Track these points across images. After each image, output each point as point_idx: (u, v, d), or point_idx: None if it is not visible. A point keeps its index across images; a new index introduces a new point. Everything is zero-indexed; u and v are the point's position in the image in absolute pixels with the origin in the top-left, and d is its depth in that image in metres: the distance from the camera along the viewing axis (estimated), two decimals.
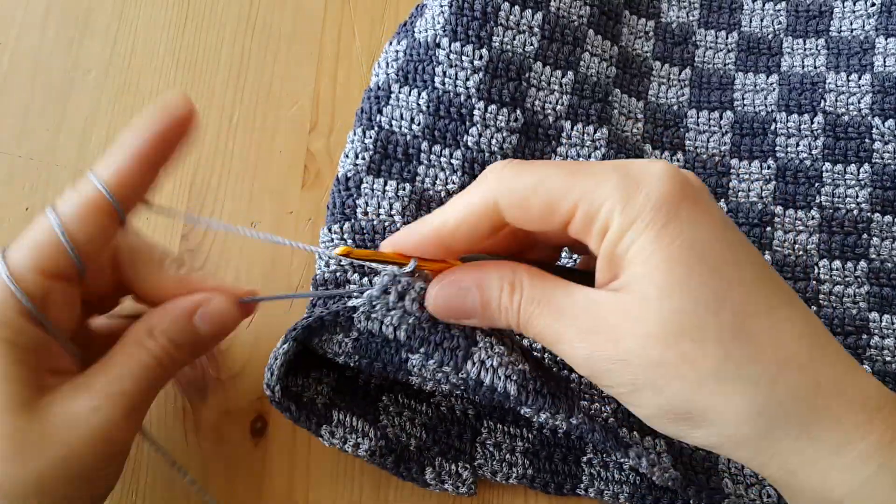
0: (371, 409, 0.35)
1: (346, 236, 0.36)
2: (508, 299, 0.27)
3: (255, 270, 0.40)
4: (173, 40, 0.45)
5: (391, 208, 0.37)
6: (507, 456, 0.36)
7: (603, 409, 0.35)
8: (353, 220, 0.37)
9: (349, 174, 0.38)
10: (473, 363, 0.29)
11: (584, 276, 0.27)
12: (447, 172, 0.38)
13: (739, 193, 0.40)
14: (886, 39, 0.41)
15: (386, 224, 0.37)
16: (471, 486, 0.35)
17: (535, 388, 0.29)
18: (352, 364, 0.31)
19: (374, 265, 0.29)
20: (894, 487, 0.22)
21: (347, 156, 0.38)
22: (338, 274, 0.36)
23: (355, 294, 0.31)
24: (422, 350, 0.29)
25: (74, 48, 0.45)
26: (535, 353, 0.35)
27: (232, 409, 0.38)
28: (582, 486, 0.35)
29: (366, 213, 0.37)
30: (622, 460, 0.33)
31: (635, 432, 0.35)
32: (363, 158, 0.38)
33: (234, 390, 0.38)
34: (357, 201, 0.37)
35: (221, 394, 0.38)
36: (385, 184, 0.37)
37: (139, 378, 0.29)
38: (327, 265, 0.36)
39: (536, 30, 0.39)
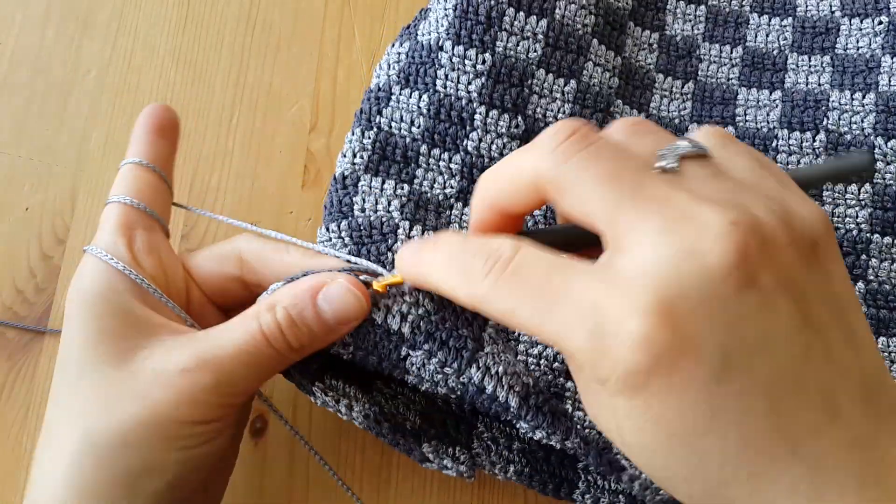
0: (363, 384, 0.34)
1: (343, 234, 0.36)
2: (511, 254, 0.25)
3: None
4: (173, 40, 0.45)
5: (389, 205, 0.37)
6: (504, 452, 0.35)
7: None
8: (350, 218, 0.36)
9: (346, 173, 0.37)
10: (478, 367, 0.28)
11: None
12: (446, 176, 0.38)
13: None
14: (892, 59, 0.41)
15: (384, 220, 0.36)
16: (470, 467, 0.34)
17: (537, 404, 0.29)
18: (345, 356, 0.31)
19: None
20: None
21: (345, 155, 0.38)
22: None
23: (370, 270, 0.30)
24: (425, 346, 0.29)
25: (74, 48, 0.45)
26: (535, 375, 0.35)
27: None
28: (578, 491, 0.35)
29: (363, 210, 0.37)
30: (615, 484, 0.33)
31: None
32: (361, 158, 0.38)
33: None
34: (354, 199, 0.37)
35: None
36: (383, 182, 0.37)
37: (241, 350, 0.28)
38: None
39: (541, 37, 0.39)
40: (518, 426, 0.29)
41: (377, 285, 0.29)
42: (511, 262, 0.23)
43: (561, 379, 0.36)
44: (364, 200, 0.37)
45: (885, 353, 0.36)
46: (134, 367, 0.28)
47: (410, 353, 0.29)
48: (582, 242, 0.26)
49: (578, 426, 0.34)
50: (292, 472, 0.37)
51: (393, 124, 0.38)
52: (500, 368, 0.29)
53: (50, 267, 0.40)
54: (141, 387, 0.27)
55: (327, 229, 0.37)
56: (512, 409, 0.29)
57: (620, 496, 0.35)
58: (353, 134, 0.38)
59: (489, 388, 0.29)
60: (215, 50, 0.45)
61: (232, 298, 0.34)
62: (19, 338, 0.39)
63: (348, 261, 0.33)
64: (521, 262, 0.23)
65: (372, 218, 0.36)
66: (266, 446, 0.37)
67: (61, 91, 0.44)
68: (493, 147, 0.38)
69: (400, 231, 0.36)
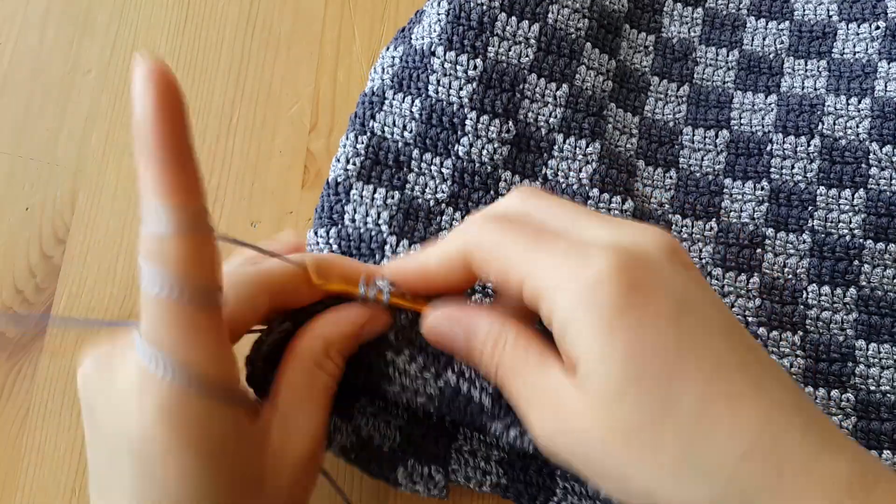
0: (347, 408, 0.35)
1: (331, 241, 0.36)
2: (490, 355, 0.27)
3: None
4: (173, 40, 0.45)
5: (378, 217, 0.37)
6: (482, 464, 0.35)
7: None
8: (339, 226, 0.37)
9: (339, 179, 0.38)
10: (454, 371, 0.29)
11: None
12: (437, 181, 0.38)
13: (731, 214, 0.39)
14: (889, 64, 0.41)
15: (373, 234, 0.37)
16: (442, 489, 0.35)
17: (509, 404, 0.29)
18: None
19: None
20: None
21: (339, 160, 0.38)
22: None
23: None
24: (406, 352, 0.29)
25: (74, 48, 0.45)
26: None
27: None
28: (555, 499, 0.35)
29: (353, 220, 0.37)
30: (591, 489, 0.33)
31: None
32: (354, 164, 0.38)
33: None
34: (345, 207, 0.37)
35: None
36: (374, 191, 0.37)
37: (326, 404, 0.29)
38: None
39: (532, 41, 0.39)
40: (493, 428, 0.30)
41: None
42: (504, 215, 0.28)
43: None
44: (355, 210, 0.37)
45: (876, 360, 0.36)
46: (263, 460, 0.27)
47: (394, 357, 0.29)
48: None
49: None
50: None
51: (386, 129, 0.38)
52: (473, 372, 0.29)
53: (50, 267, 0.40)
54: (274, 474, 0.27)
55: (315, 234, 0.37)
56: (486, 409, 0.29)
57: (597, 502, 0.35)
58: (346, 139, 0.38)
59: (464, 389, 0.29)
60: (215, 50, 0.45)
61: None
62: (19, 338, 0.39)
63: None
64: (513, 218, 0.28)
65: (362, 230, 0.37)
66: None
67: (61, 91, 0.44)
68: (484, 152, 0.38)
69: (387, 248, 0.36)
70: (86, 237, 0.41)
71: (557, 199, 0.28)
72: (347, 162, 0.38)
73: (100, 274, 0.40)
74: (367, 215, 0.37)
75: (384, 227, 0.37)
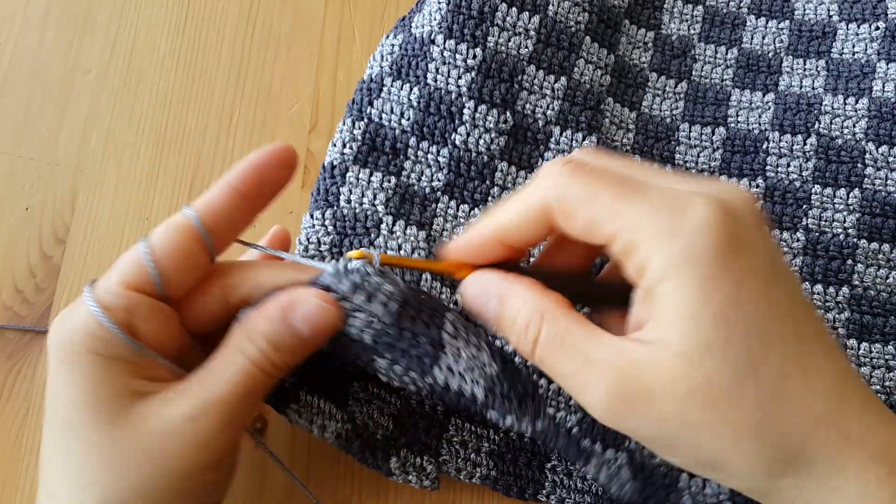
0: (340, 394, 0.35)
1: (327, 223, 0.36)
2: (524, 326, 0.26)
3: None
4: (173, 40, 0.45)
5: (375, 198, 0.37)
6: (473, 455, 0.36)
7: (569, 417, 0.35)
8: (335, 208, 0.37)
9: (335, 162, 0.38)
10: (440, 369, 0.29)
11: (609, 291, 0.27)
12: (433, 169, 0.38)
13: None
14: (888, 64, 0.41)
15: (368, 213, 0.37)
16: (434, 480, 0.35)
17: (502, 393, 0.29)
18: (326, 347, 0.31)
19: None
20: None
21: (335, 144, 0.38)
22: (315, 259, 0.36)
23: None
24: (387, 356, 0.29)
25: (74, 48, 0.45)
26: (504, 353, 0.35)
27: None
28: (544, 492, 0.35)
29: (349, 202, 0.37)
30: (582, 470, 0.33)
31: (598, 444, 0.35)
32: (350, 148, 0.38)
33: None
34: (341, 189, 0.37)
35: None
36: (370, 174, 0.37)
37: (238, 384, 0.28)
38: (306, 249, 0.36)
39: (532, 33, 0.39)
40: (489, 416, 0.30)
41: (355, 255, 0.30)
42: (587, 164, 0.27)
43: (535, 376, 0.36)
44: (351, 192, 0.37)
45: (867, 359, 0.36)
46: (134, 424, 0.26)
47: (376, 358, 0.29)
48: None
49: (550, 409, 0.34)
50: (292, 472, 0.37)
51: (383, 116, 0.38)
52: (462, 366, 0.29)
53: (50, 267, 0.40)
54: (148, 444, 0.26)
55: (311, 216, 0.37)
56: (479, 400, 0.29)
57: (586, 496, 0.35)
58: (343, 124, 0.38)
59: (454, 386, 0.29)
60: (215, 50, 0.45)
61: (220, 324, 0.31)
62: (19, 338, 0.39)
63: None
64: (596, 166, 0.27)
65: (357, 210, 0.37)
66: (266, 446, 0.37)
67: (61, 91, 0.44)
68: (481, 142, 0.38)
69: (383, 226, 0.36)
70: (86, 237, 0.41)
71: (630, 158, 0.27)
72: (344, 146, 0.38)
73: (100, 274, 0.39)
74: (363, 196, 0.37)
75: (380, 208, 0.37)
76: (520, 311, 0.26)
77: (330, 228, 0.36)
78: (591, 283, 0.31)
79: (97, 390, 0.27)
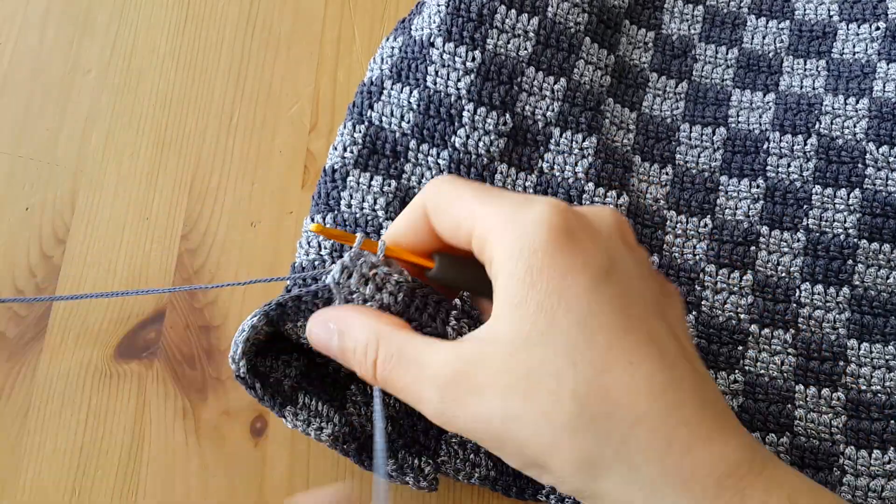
0: (338, 396, 0.35)
1: (328, 227, 0.36)
2: (363, 352, 0.27)
3: (256, 272, 0.40)
4: (173, 40, 0.45)
5: (375, 203, 0.37)
6: (472, 456, 0.35)
7: None
8: (336, 212, 0.37)
9: (336, 166, 0.38)
10: None
11: None
12: (433, 172, 0.38)
13: (726, 211, 0.39)
14: (888, 64, 0.41)
15: (369, 218, 0.37)
16: (432, 481, 0.35)
17: None
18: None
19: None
20: None
21: (336, 148, 0.38)
22: (316, 263, 0.36)
23: (319, 276, 0.31)
24: None
25: (74, 48, 0.45)
26: None
27: (232, 409, 0.38)
28: (543, 492, 0.35)
29: (349, 206, 0.37)
30: None
31: None
32: (351, 152, 0.38)
33: (234, 390, 0.38)
34: (342, 193, 0.37)
35: (221, 394, 0.38)
36: (371, 178, 0.38)
37: None
38: (307, 253, 0.36)
39: (531, 35, 0.39)
40: None
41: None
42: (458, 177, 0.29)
43: None
44: (351, 196, 0.37)
45: (867, 359, 0.37)
46: None
47: None
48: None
49: None
50: (292, 472, 0.37)
51: (384, 119, 0.38)
52: None
53: (50, 267, 0.40)
54: None
55: (312, 220, 0.37)
56: None
57: None
58: (344, 127, 0.38)
59: None
60: (215, 50, 0.45)
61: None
62: (19, 338, 0.39)
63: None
64: (464, 179, 0.29)
65: (357, 215, 0.37)
66: (266, 446, 0.37)
67: (61, 91, 0.44)
68: (481, 144, 0.38)
69: (384, 231, 0.36)
70: (86, 237, 0.41)
71: (467, 184, 0.29)
72: (345, 150, 0.38)
73: (100, 274, 0.40)
74: (363, 201, 0.37)
75: (380, 213, 0.37)
76: (357, 340, 0.27)
77: None
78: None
79: None
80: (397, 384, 0.26)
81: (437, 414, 0.25)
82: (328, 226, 0.37)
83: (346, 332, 0.27)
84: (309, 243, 0.36)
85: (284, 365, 0.35)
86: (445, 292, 0.30)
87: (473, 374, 0.24)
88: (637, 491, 0.23)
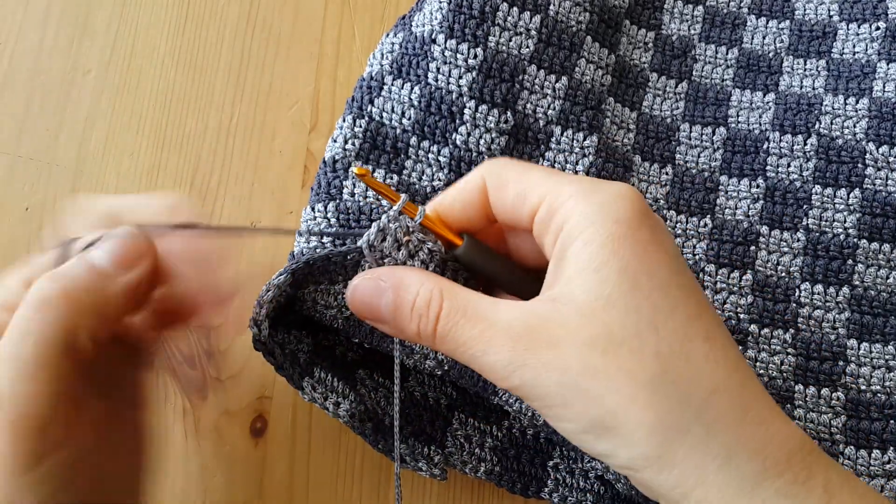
0: (349, 377, 0.35)
1: (329, 216, 0.36)
2: (425, 306, 0.26)
3: (256, 271, 0.40)
4: (173, 40, 0.45)
5: (377, 195, 0.37)
6: (477, 450, 0.36)
7: None
8: (338, 200, 0.37)
9: (337, 157, 0.38)
10: None
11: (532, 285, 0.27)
12: (434, 169, 0.38)
13: (726, 211, 0.40)
14: (888, 65, 0.41)
15: (373, 206, 0.36)
16: (442, 470, 0.35)
17: None
18: (338, 323, 0.31)
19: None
20: None
21: (336, 140, 0.38)
22: (317, 250, 0.35)
23: (353, 238, 0.30)
24: None
25: (74, 48, 0.45)
26: None
27: (232, 409, 0.38)
28: (547, 489, 0.35)
29: (352, 195, 0.37)
30: (589, 464, 0.33)
31: None
32: (352, 145, 0.38)
33: (234, 390, 0.38)
34: (344, 182, 0.37)
35: (221, 394, 0.38)
36: (373, 170, 0.38)
37: (37, 345, 0.26)
38: (307, 241, 0.36)
39: (534, 33, 0.39)
40: (503, 393, 0.30)
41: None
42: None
43: None
44: (354, 185, 0.37)
45: (867, 359, 0.37)
46: None
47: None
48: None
49: None
50: (292, 472, 0.37)
51: (384, 115, 0.38)
52: None
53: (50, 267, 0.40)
54: None
55: (312, 209, 0.37)
56: None
57: (588, 494, 0.35)
58: (343, 121, 0.38)
59: None
60: (215, 50, 0.45)
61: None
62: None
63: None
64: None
65: (361, 204, 0.37)
66: (266, 446, 0.37)
67: (61, 91, 0.44)
68: (482, 141, 0.38)
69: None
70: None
71: (533, 165, 0.29)
72: (346, 142, 0.38)
73: None
74: (367, 189, 0.37)
75: (384, 202, 0.37)
76: (420, 294, 0.26)
77: (332, 220, 0.36)
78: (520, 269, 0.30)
79: None
80: (460, 338, 0.26)
81: (502, 365, 0.25)
82: (329, 214, 0.36)
83: (402, 288, 0.27)
84: (310, 231, 0.36)
85: (297, 339, 0.34)
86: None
87: (549, 328, 0.24)
88: (711, 458, 0.23)
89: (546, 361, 0.24)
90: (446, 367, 0.30)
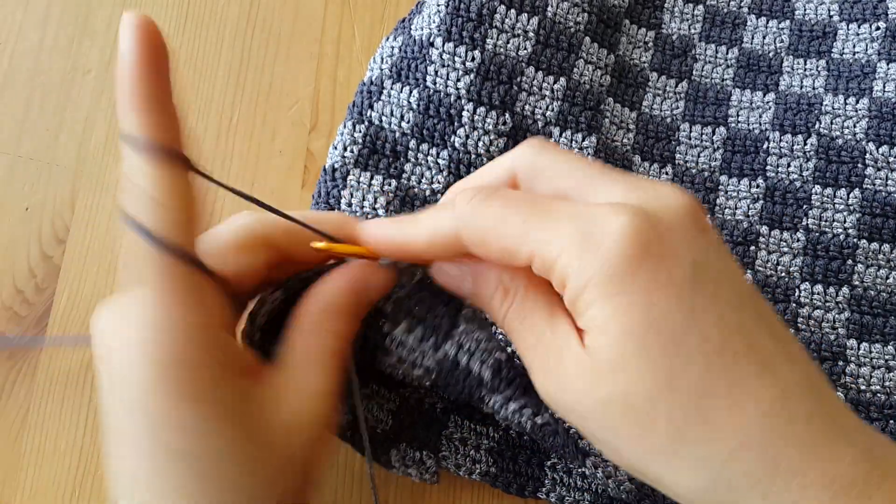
0: (342, 388, 0.35)
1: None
2: (499, 303, 0.26)
3: None
4: (173, 40, 0.45)
5: (375, 202, 0.37)
6: (472, 452, 0.36)
7: None
8: (336, 210, 0.37)
9: (336, 165, 0.38)
10: (453, 343, 0.29)
11: None
12: (433, 171, 0.38)
13: (726, 211, 0.40)
14: (888, 64, 0.41)
15: (369, 217, 0.37)
16: (434, 474, 0.35)
17: (509, 377, 0.29)
18: None
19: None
20: None
21: (336, 147, 0.38)
22: None
23: None
24: (404, 323, 0.29)
25: (74, 48, 0.45)
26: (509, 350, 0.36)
27: None
28: (544, 489, 0.35)
29: (350, 205, 0.37)
30: (579, 469, 0.33)
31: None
32: (351, 151, 0.38)
33: None
34: (342, 192, 0.37)
35: None
36: (371, 178, 0.38)
37: (334, 367, 0.28)
38: None
39: (531, 34, 0.39)
40: (492, 401, 0.30)
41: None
42: (496, 190, 0.25)
43: None
44: (352, 195, 0.37)
45: (867, 359, 0.37)
46: (257, 424, 0.25)
47: (392, 328, 0.29)
48: None
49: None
50: None
51: (383, 118, 0.38)
52: (473, 345, 0.29)
53: (50, 267, 0.40)
54: (274, 440, 0.26)
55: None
56: (485, 382, 0.29)
57: (585, 494, 0.35)
58: (344, 127, 0.39)
59: (463, 362, 0.29)
60: (215, 50, 0.45)
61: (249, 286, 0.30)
62: (20, 338, 0.39)
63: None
64: (505, 192, 0.25)
65: (358, 214, 0.37)
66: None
67: (61, 91, 0.44)
68: (480, 144, 0.38)
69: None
70: (86, 237, 0.41)
71: (571, 155, 0.26)
72: (345, 149, 0.38)
73: (100, 274, 0.40)
74: (363, 199, 0.37)
75: (381, 212, 0.37)
76: (497, 288, 0.26)
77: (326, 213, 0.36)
78: None
79: (230, 402, 0.25)
80: (518, 342, 0.26)
81: (541, 392, 0.26)
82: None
83: (479, 280, 0.27)
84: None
85: None
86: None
87: (573, 375, 0.24)
88: None
89: (572, 409, 0.24)
90: (433, 376, 0.30)
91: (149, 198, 0.24)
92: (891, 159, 0.39)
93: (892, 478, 0.22)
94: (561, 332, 0.25)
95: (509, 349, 0.31)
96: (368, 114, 0.38)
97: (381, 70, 0.39)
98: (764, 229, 0.39)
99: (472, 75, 0.38)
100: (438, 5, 0.39)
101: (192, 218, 0.25)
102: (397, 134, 0.38)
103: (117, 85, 0.24)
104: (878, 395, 0.36)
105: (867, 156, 0.39)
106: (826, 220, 0.39)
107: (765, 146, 0.40)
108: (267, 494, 0.25)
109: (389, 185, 0.38)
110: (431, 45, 0.38)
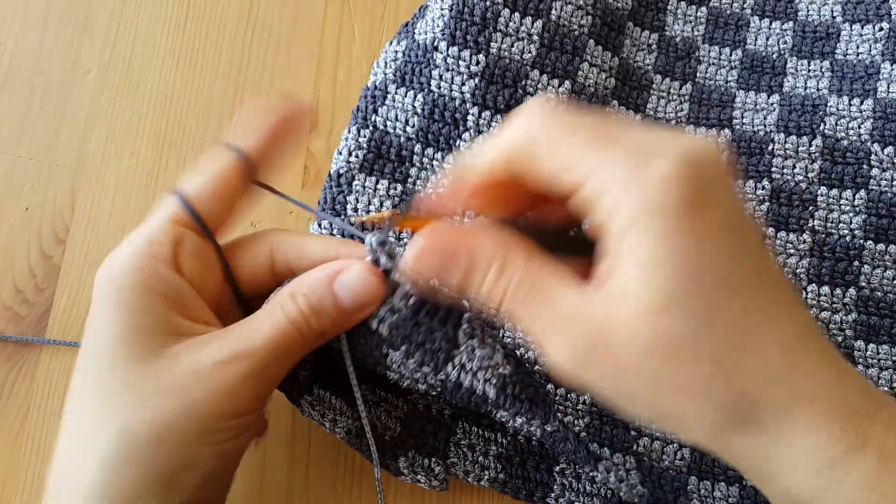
0: (349, 395, 0.35)
1: (335, 232, 0.37)
2: (496, 276, 0.26)
3: None
4: (173, 40, 0.45)
5: (381, 206, 0.37)
6: (480, 458, 0.36)
7: (576, 422, 0.35)
8: (343, 216, 0.37)
9: (341, 171, 0.38)
10: (454, 366, 0.29)
11: (581, 242, 0.27)
12: (438, 176, 0.38)
13: None
14: (892, 65, 0.40)
15: (375, 221, 0.37)
16: (442, 481, 0.35)
17: (514, 393, 0.29)
18: (335, 345, 0.31)
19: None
20: (861, 489, 0.23)
21: (341, 153, 0.38)
22: None
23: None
24: (402, 348, 0.29)
25: (74, 48, 0.45)
26: (518, 353, 0.35)
27: None
28: (553, 495, 0.35)
29: (356, 210, 0.37)
30: (591, 473, 0.33)
31: (606, 448, 0.35)
32: (356, 157, 0.38)
33: None
34: (348, 198, 0.37)
35: None
36: (377, 182, 0.38)
37: (272, 339, 0.28)
38: None
39: (535, 38, 0.39)
40: (498, 416, 0.30)
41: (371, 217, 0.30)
42: (567, 107, 0.26)
43: (544, 380, 0.36)
44: (357, 200, 0.37)
45: (874, 360, 0.36)
46: (167, 362, 0.27)
47: (390, 351, 0.29)
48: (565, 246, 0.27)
49: (559, 414, 0.34)
50: (292, 472, 0.37)
51: (388, 123, 0.38)
52: (475, 364, 0.29)
53: (50, 267, 0.40)
54: (177, 381, 0.27)
55: (319, 225, 0.37)
56: (490, 400, 0.29)
57: (595, 499, 0.35)
58: (349, 132, 0.38)
59: (466, 383, 0.29)
60: (215, 50, 0.45)
61: (262, 289, 0.32)
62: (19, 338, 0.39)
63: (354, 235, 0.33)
64: (575, 111, 0.26)
65: (364, 218, 0.37)
66: (266, 446, 0.37)
67: (61, 91, 0.44)
68: None
69: (391, 234, 0.36)
70: (86, 237, 0.41)
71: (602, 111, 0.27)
72: (350, 154, 0.38)
73: None
74: (369, 204, 0.37)
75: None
76: (493, 262, 0.26)
77: (338, 237, 0.36)
78: (562, 234, 0.29)
79: (138, 323, 0.27)
80: (524, 322, 0.26)
81: (563, 366, 0.25)
82: (335, 230, 0.37)
83: (477, 249, 0.26)
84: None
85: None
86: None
87: (606, 333, 0.24)
88: (767, 440, 0.24)
89: (604, 368, 0.24)
90: (439, 389, 0.30)
91: (200, 170, 0.30)
92: None
93: (888, 406, 0.25)
94: (576, 296, 0.25)
95: (514, 363, 0.30)
96: (373, 118, 0.38)
97: (386, 74, 0.39)
98: (770, 231, 0.39)
99: (476, 79, 0.38)
100: (442, 9, 0.39)
101: (221, 195, 0.30)
102: (402, 138, 0.38)
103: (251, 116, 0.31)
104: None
105: (872, 156, 0.39)
106: (832, 222, 0.39)
107: (770, 148, 0.40)
108: (153, 437, 0.27)
109: (395, 189, 0.38)
110: (436, 49, 0.38)
